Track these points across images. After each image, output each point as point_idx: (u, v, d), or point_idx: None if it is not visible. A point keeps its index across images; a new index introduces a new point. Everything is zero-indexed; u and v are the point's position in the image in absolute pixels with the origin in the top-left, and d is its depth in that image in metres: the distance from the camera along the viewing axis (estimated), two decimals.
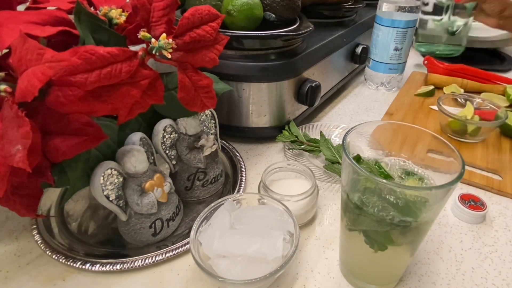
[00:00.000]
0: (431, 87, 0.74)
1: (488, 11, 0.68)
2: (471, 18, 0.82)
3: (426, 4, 0.84)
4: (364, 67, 0.81)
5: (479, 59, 0.81)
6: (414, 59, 0.93)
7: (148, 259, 0.36)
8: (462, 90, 0.72)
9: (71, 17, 0.34)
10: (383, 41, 0.72)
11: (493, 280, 0.36)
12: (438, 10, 0.83)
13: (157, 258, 0.37)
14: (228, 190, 0.47)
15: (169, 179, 0.40)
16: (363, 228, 0.30)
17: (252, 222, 0.36)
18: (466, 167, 0.51)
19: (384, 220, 0.27)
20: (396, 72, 0.76)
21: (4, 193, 0.27)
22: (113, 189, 0.35)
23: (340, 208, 0.34)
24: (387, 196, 0.27)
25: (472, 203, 0.44)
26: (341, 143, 0.42)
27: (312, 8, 0.70)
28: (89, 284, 0.35)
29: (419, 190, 0.28)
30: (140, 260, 0.36)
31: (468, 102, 0.61)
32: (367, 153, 0.34)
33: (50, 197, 0.45)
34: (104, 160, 0.35)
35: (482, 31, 0.93)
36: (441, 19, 0.84)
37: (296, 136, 0.55)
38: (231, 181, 0.49)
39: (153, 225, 0.38)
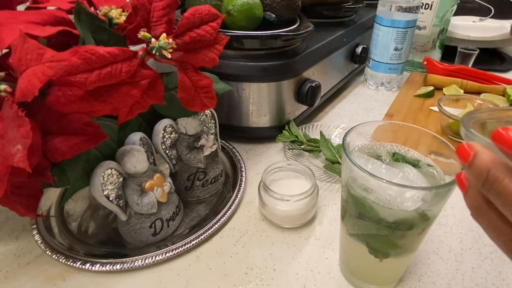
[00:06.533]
0: (431, 88, 0.74)
1: None
2: None
3: None
4: (364, 67, 0.81)
5: (479, 59, 0.81)
6: None
7: (148, 259, 0.36)
8: (461, 91, 0.72)
9: (71, 17, 0.34)
10: (383, 41, 0.72)
11: (493, 280, 0.36)
12: None
13: (157, 258, 0.37)
14: (228, 190, 0.47)
15: (169, 179, 0.40)
16: (363, 232, 0.30)
17: None
18: None
19: (386, 208, 0.27)
20: (396, 72, 0.76)
21: (4, 193, 0.27)
22: (113, 189, 0.35)
23: (340, 214, 0.34)
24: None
25: None
26: (341, 143, 0.42)
27: (312, 8, 0.70)
28: (89, 284, 0.35)
29: (420, 190, 0.28)
30: (140, 260, 0.36)
31: (468, 103, 0.60)
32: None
33: (50, 197, 0.45)
34: (104, 160, 0.35)
35: (482, 31, 0.93)
36: None
37: (296, 136, 0.55)
38: (231, 181, 0.49)
39: (153, 225, 0.38)
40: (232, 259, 0.38)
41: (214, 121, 0.47)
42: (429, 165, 0.31)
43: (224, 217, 0.42)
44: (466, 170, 0.19)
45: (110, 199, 0.35)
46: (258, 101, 0.54)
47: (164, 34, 0.32)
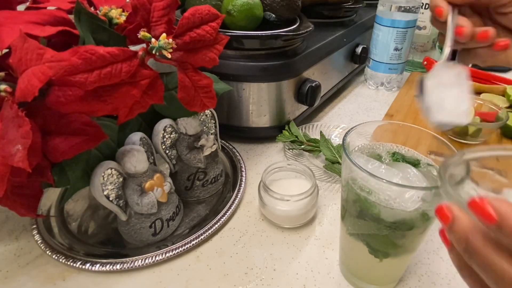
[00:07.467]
0: None
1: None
2: None
3: None
4: (364, 67, 0.81)
5: None
6: None
7: (148, 259, 0.36)
8: None
9: (71, 17, 0.34)
10: (383, 41, 0.72)
11: None
12: None
13: (157, 258, 0.37)
14: (228, 190, 0.47)
15: (169, 179, 0.40)
16: (363, 232, 0.30)
17: None
18: None
19: (386, 208, 0.27)
20: (396, 72, 0.76)
21: (4, 193, 0.27)
22: (113, 189, 0.35)
23: (340, 214, 0.34)
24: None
25: None
26: (341, 143, 0.42)
27: (312, 8, 0.70)
28: (89, 284, 0.35)
29: (420, 190, 0.28)
30: (140, 260, 0.36)
31: None
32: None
33: (50, 197, 0.45)
34: (104, 160, 0.35)
35: None
36: None
37: (296, 136, 0.55)
38: (231, 181, 0.49)
39: (153, 225, 0.38)
40: (232, 259, 0.38)
41: (214, 121, 0.47)
42: (429, 165, 0.31)
43: (224, 217, 0.42)
44: (447, 231, 0.19)
45: (110, 199, 0.35)
46: (258, 101, 0.54)
47: (164, 34, 0.32)
